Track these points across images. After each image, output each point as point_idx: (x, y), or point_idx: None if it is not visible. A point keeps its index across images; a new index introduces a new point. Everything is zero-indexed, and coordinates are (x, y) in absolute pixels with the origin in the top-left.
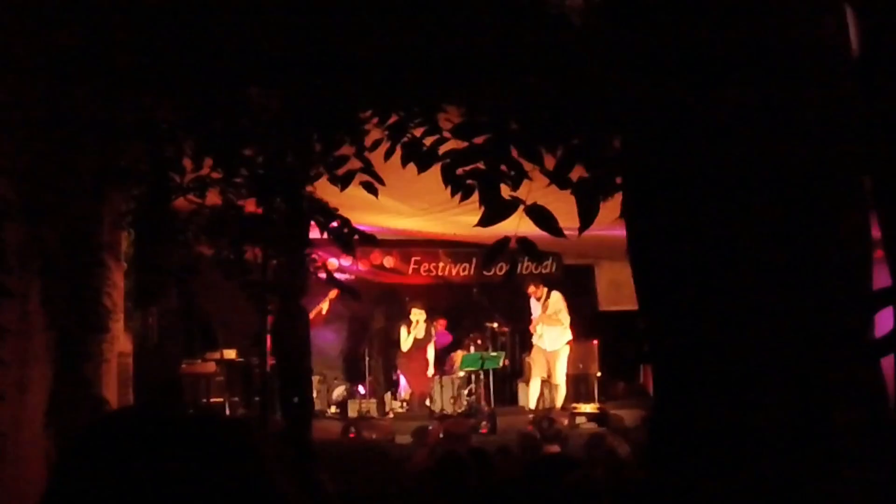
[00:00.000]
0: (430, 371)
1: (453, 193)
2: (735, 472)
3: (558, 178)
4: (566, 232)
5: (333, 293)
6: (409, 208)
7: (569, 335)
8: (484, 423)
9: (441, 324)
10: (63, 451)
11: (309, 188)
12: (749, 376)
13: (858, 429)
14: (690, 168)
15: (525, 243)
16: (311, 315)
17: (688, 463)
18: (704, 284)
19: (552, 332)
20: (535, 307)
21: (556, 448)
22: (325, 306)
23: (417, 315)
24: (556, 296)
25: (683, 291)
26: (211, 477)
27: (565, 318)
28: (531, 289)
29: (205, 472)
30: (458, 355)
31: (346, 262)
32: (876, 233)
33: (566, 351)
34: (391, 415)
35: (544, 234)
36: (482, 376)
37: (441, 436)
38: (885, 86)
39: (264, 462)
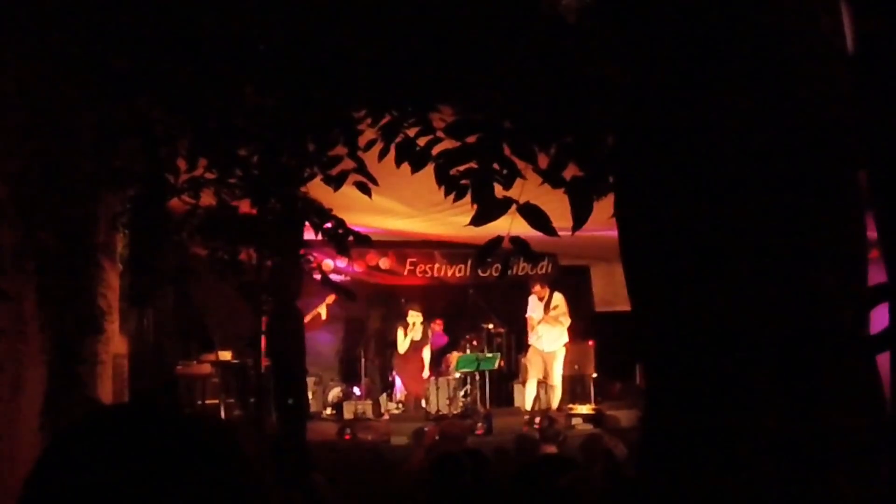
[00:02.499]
0: (426, 372)
1: (447, 193)
2: (728, 473)
3: (551, 177)
4: (560, 232)
5: (331, 298)
6: (403, 209)
7: (566, 337)
8: (480, 424)
9: (437, 325)
10: (46, 447)
11: (303, 189)
12: (741, 374)
13: (853, 427)
14: (683, 165)
15: (518, 243)
16: (309, 318)
17: (680, 463)
18: (696, 282)
19: (552, 333)
20: (537, 307)
21: (552, 449)
22: (323, 311)
23: (414, 317)
24: (560, 297)
25: (674, 289)
26: (192, 477)
27: (566, 320)
28: (536, 288)
29: (186, 472)
30: (454, 356)
31: (342, 263)
32: (871, 233)
33: (563, 352)
34: (387, 416)
35: (539, 234)
36: (478, 377)
37: (437, 437)
38: (880, 83)
39: (249, 464)
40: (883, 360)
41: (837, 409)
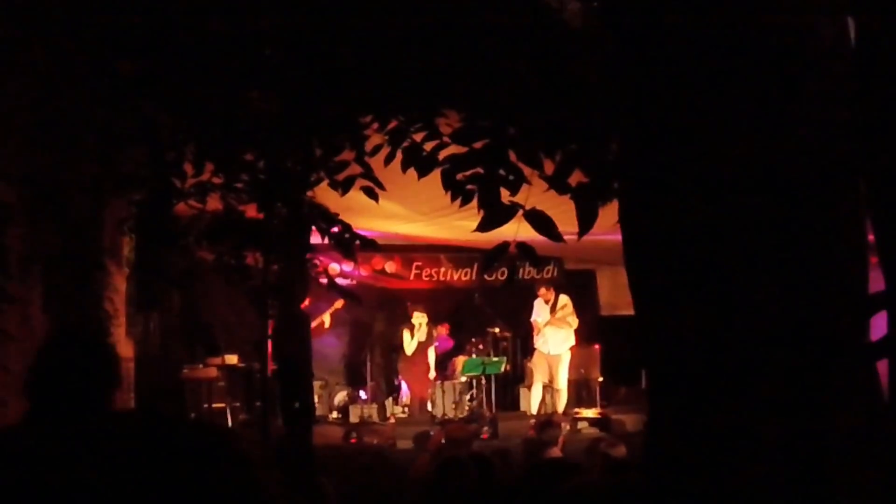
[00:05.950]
0: (432, 374)
1: (453, 198)
2: (731, 478)
3: (557, 183)
4: (565, 237)
5: (338, 303)
6: (409, 213)
7: (573, 340)
8: (485, 428)
9: (443, 329)
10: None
11: (309, 193)
12: (744, 380)
13: (855, 433)
14: (687, 171)
15: (524, 248)
16: (313, 325)
17: (684, 467)
18: (699, 288)
19: (558, 336)
20: (543, 311)
21: (557, 452)
22: (326, 319)
23: (419, 318)
24: (566, 298)
25: (677, 295)
26: (197, 483)
27: (573, 320)
28: (542, 291)
29: (190, 477)
30: (460, 360)
31: (348, 267)
32: (871, 237)
33: (569, 356)
34: (392, 420)
35: (544, 238)
36: (484, 381)
37: (442, 441)
38: (880, 89)
39: (252, 469)
40: (882, 366)
41: (838, 415)
